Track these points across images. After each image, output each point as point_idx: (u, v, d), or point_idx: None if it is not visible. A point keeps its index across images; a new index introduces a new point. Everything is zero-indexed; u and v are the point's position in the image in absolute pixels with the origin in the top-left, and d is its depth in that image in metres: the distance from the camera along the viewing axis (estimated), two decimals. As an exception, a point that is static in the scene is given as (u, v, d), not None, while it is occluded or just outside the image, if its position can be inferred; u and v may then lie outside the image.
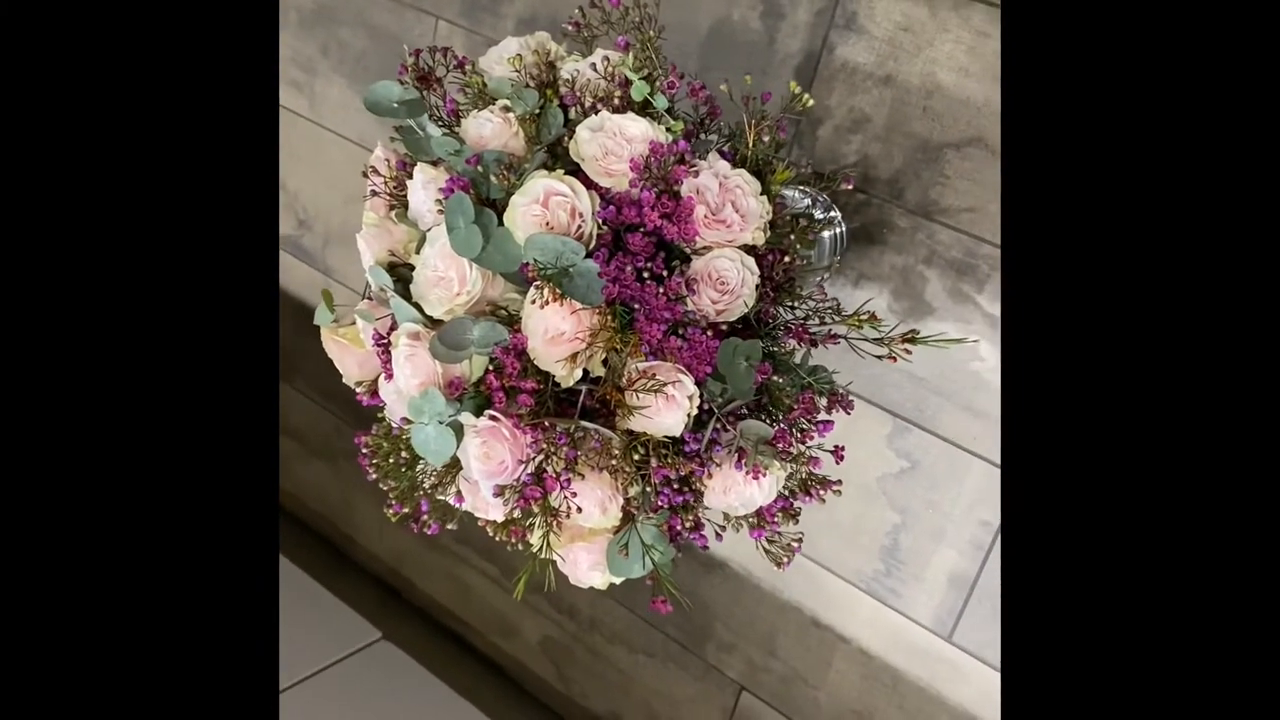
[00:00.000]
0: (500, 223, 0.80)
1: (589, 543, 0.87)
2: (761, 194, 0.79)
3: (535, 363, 0.79)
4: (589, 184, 0.81)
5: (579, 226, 0.79)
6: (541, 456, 0.80)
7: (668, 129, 0.80)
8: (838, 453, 0.84)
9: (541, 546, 0.87)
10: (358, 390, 0.97)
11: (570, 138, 0.82)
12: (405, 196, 0.89)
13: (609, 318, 0.76)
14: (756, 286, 0.79)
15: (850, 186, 0.83)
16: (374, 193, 0.90)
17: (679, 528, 0.86)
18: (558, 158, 0.84)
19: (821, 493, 0.85)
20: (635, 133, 0.79)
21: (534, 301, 0.77)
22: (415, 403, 0.82)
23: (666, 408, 0.78)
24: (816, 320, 0.83)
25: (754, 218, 0.79)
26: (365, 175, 0.89)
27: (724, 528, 0.91)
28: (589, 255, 0.78)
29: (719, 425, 0.79)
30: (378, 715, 1.60)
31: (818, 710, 1.45)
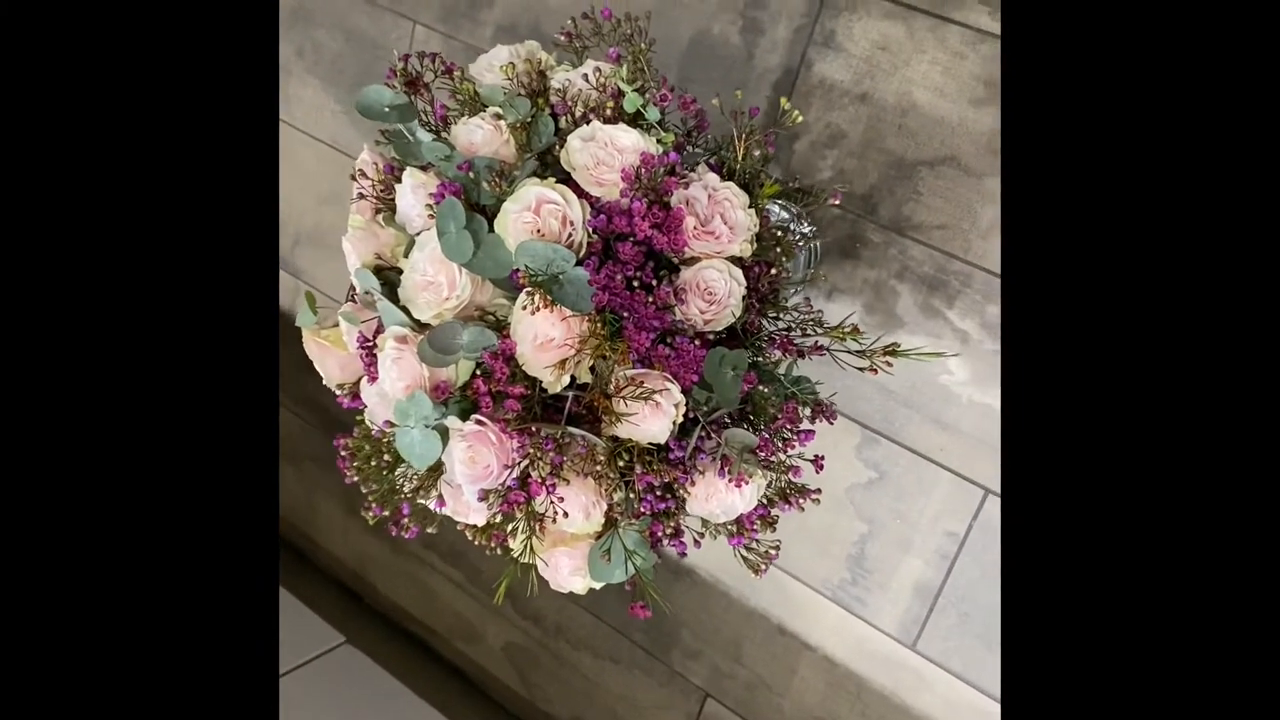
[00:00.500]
0: (491, 229, 0.81)
1: (571, 548, 0.88)
2: (749, 207, 0.81)
3: (523, 368, 0.80)
4: (579, 192, 0.82)
5: (570, 234, 0.80)
6: (527, 462, 0.81)
7: (659, 140, 0.81)
8: (818, 462, 0.85)
9: (523, 551, 0.88)
10: (338, 393, 0.97)
11: (561, 146, 0.83)
12: (392, 200, 0.90)
13: (599, 325, 0.77)
14: (743, 298, 0.80)
15: (837, 202, 0.84)
16: (361, 196, 0.90)
17: (659, 534, 0.87)
18: (547, 166, 0.85)
19: (801, 501, 0.87)
20: (627, 143, 0.80)
21: (524, 307, 0.78)
22: (401, 406, 0.82)
23: (653, 415, 0.79)
24: (799, 332, 0.85)
25: (742, 230, 0.80)
26: (353, 178, 0.89)
27: (702, 535, 0.92)
28: (579, 263, 0.79)
29: (704, 433, 0.80)
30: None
31: (782, 717, 1.46)
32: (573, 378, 0.81)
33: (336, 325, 0.95)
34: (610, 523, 0.86)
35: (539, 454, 0.79)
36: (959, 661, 1.30)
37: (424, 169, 0.86)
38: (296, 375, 1.74)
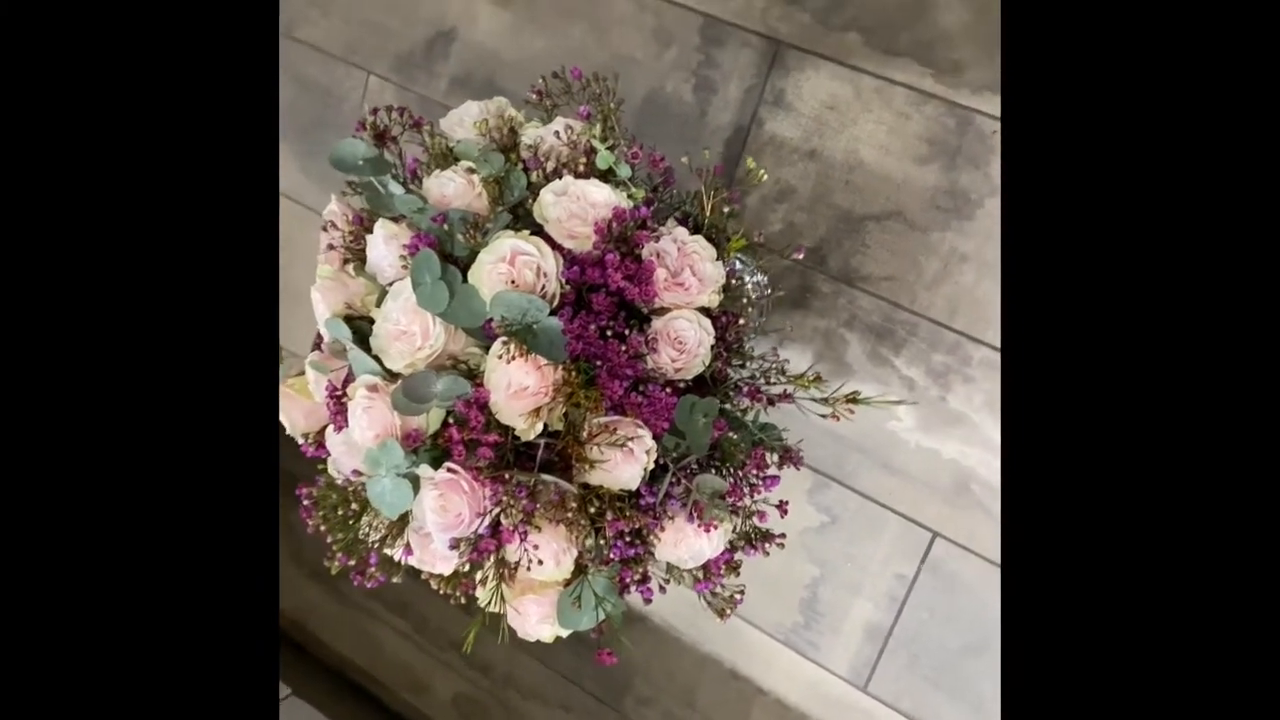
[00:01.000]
0: (464, 279, 0.82)
1: (539, 595, 0.88)
2: (716, 259, 0.83)
3: (497, 416, 0.81)
4: (552, 244, 0.84)
5: (543, 285, 0.82)
6: (499, 509, 0.82)
7: (629, 195, 0.84)
8: (782, 507, 0.88)
9: (491, 599, 0.88)
10: (302, 442, 0.97)
11: (533, 200, 0.85)
12: (362, 250, 0.90)
13: (573, 373, 0.79)
14: (711, 347, 0.83)
15: (800, 256, 0.88)
16: (331, 246, 0.91)
17: (628, 580, 0.88)
18: (519, 219, 0.87)
19: (766, 546, 0.89)
20: (599, 198, 0.83)
21: (500, 356, 0.79)
22: (372, 454, 0.82)
23: (625, 461, 0.81)
24: (763, 380, 0.88)
25: (711, 282, 0.83)
26: (324, 229, 0.90)
27: (668, 581, 0.94)
28: (553, 313, 0.81)
29: (674, 479, 0.82)
30: (285, 776, 1.55)
31: (734, 763, 1.47)
32: (545, 425, 0.83)
33: (300, 374, 0.96)
34: (579, 570, 0.87)
35: (513, 501, 0.80)
36: (909, 702, 1.32)
37: (395, 220, 0.87)
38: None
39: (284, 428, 0.97)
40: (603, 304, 0.81)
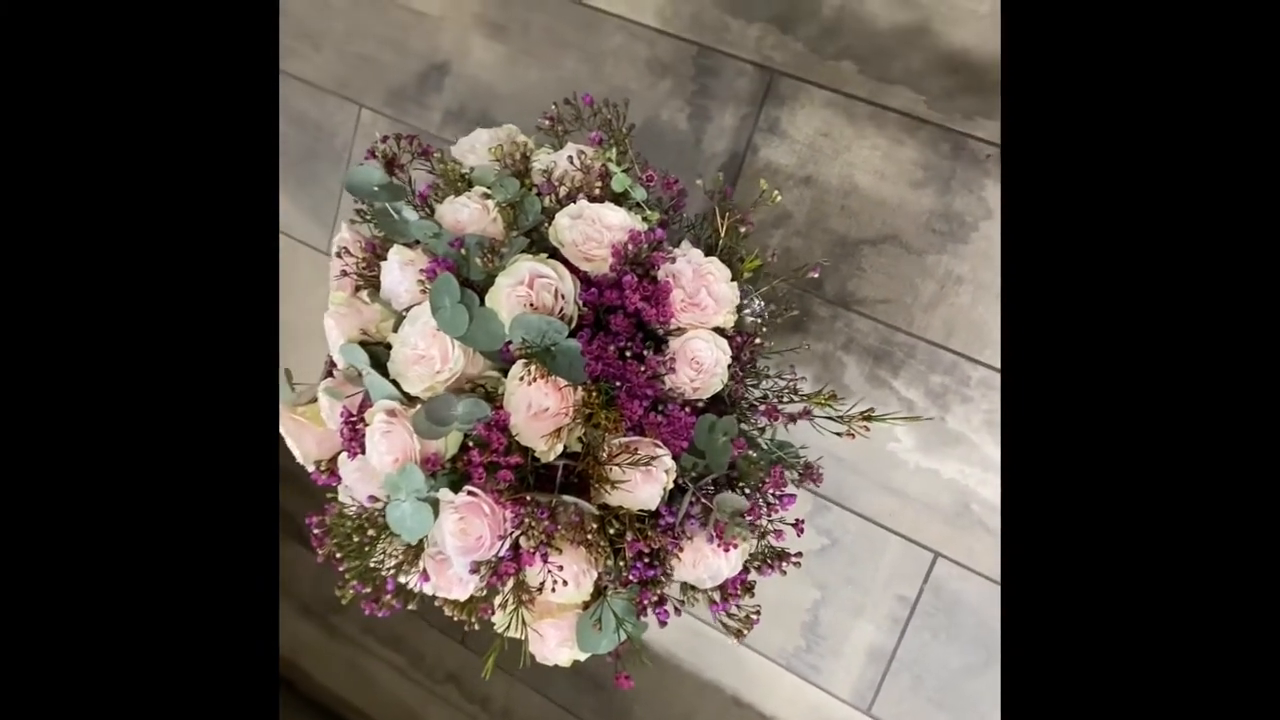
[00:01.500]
0: (482, 303, 0.83)
1: (557, 619, 0.88)
2: (731, 280, 0.85)
3: (517, 439, 0.81)
4: (568, 267, 0.84)
5: (561, 308, 0.82)
6: (520, 532, 0.82)
7: (644, 218, 0.85)
8: (799, 525, 0.88)
9: (509, 624, 0.88)
10: (315, 470, 0.96)
11: (548, 224, 0.86)
12: (374, 277, 0.91)
13: (594, 394, 0.79)
14: (728, 366, 0.84)
15: (816, 275, 0.89)
16: (344, 273, 0.91)
17: (645, 602, 0.88)
18: (533, 243, 0.88)
19: (782, 565, 0.89)
20: (614, 221, 0.84)
21: (520, 379, 0.79)
22: (392, 479, 0.82)
23: (644, 481, 0.81)
24: (776, 399, 0.89)
25: (726, 302, 0.84)
26: (339, 255, 0.90)
27: (682, 602, 0.94)
28: (571, 335, 0.81)
29: (694, 498, 0.83)
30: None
31: (737, 791, 1.46)
32: (564, 447, 0.83)
33: (311, 402, 0.95)
34: (597, 592, 0.87)
35: (534, 523, 0.80)
36: (913, 724, 1.33)
37: (410, 246, 0.88)
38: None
39: (294, 457, 0.96)
40: (621, 325, 0.81)
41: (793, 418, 0.84)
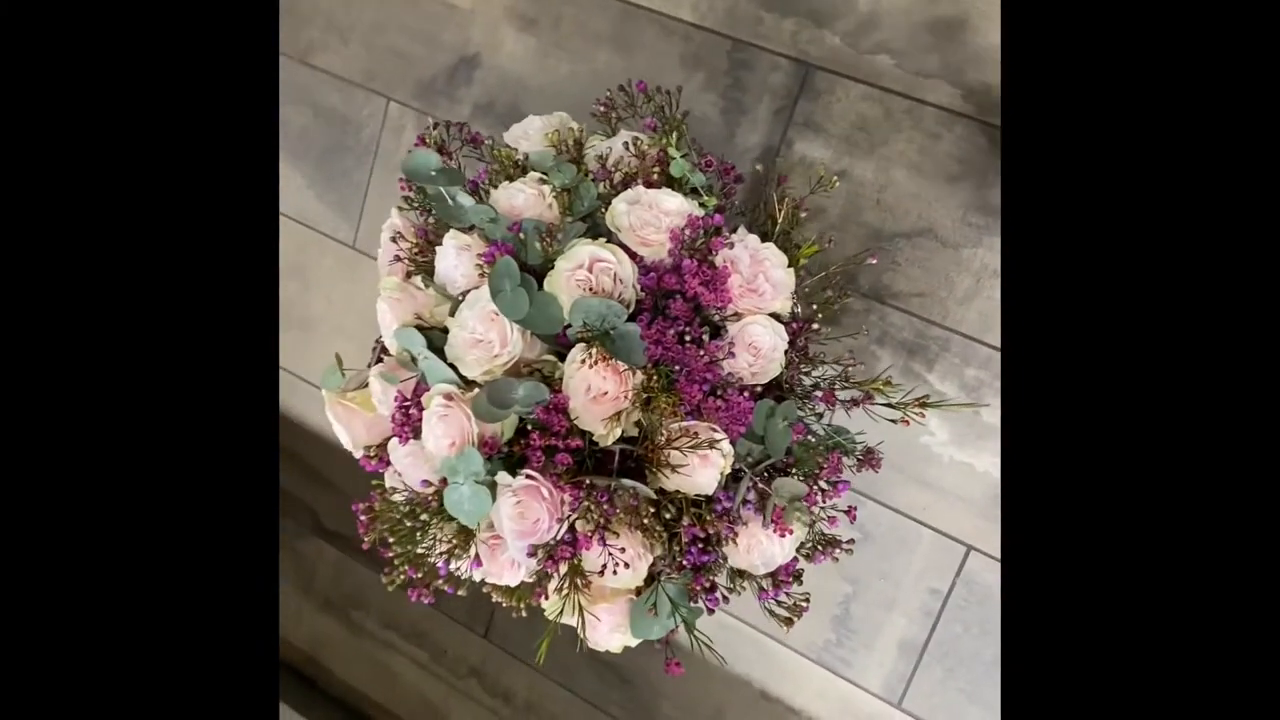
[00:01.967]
0: (540, 287, 0.83)
1: (610, 604, 0.88)
2: (788, 267, 0.85)
3: (576, 422, 0.81)
4: (625, 252, 0.85)
5: (620, 292, 0.83)
6: (577, 515, 0.82)
7: (701, 204, 0.85)
8: (851, 512, 0.89)
9: (561, 609, 0.88)
10: (359, 455, 0.96)
11: (604, 209, 0.86)
12: (428, 262, 0.91)
13: (654, 377, 0.79)
14: (785, 352, 0.84)
15: (875, 261, 0.89)
16: (397, 258, 0.91)
17: (696, 589, 0.88)
18: (587, 228, 0.88)
19: (834, 552, 0.89)
20: (671, 206, 0.84)
21: (583, 362, 0.80)
22: (450, 463, 0.82)
23: (702, 466, 0.81)
24: (827, 385, 0.89)
25: (783, 288, 0.84)
26: (393, 240, 0.90)
27: (730, 589, 0.94)
28: (630, 319, 0.82)
29: (751, 483, 0.83)
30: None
31: (764, 785, 1.46)
32: (622, 431, 0.83)
33: (361, 387, 0.95)
34: (650, 577, 0.87)
35: (594, 507, 0.80)
36: (945, 717, 1.33)
37: (466, 231, 0.88)
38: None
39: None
40: (680, 309, 0.82)
41: (854, 402, 0.85)
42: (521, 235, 0.84)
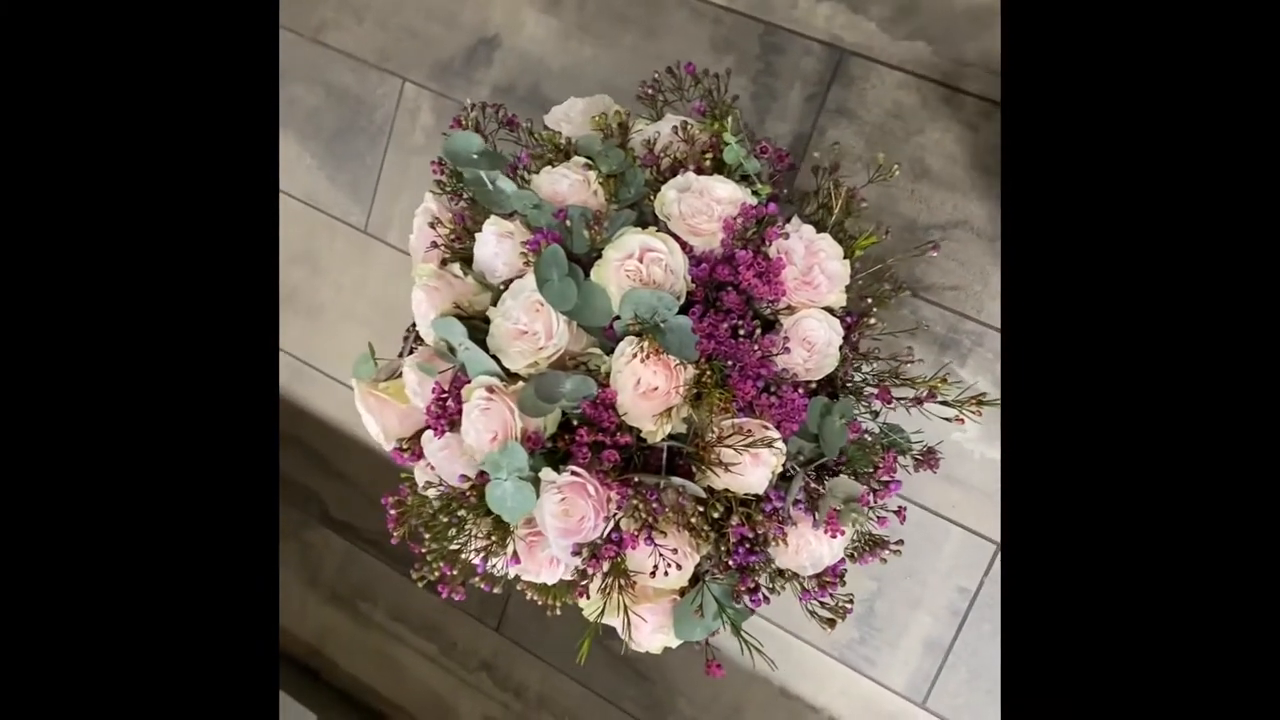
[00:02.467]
0: (586, 276, 0.80)
1: (654, 604, 0.85)
2: (844, 258, 0.82)
3: (624, 418, 0.79)
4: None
5: (671, 283, 0.79)
6: (622, 513, 0.79)
7: (754, 192, 0.82)
8: (901, 513, 0.86)
9: (602, 609, 0.85)
10: (391, 448, 0.93)
11: (651, 197, 0.83)
12: (464, 250, 0.88)
13: (708, 373, 0.77)
14: (840, 347, 0.81)
15: (936, 253, 0.87)
16: (434, 245, 0.88)
17: (740, 590, 0.86)
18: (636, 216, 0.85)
19: (881, 553, 0.87)
20: (723, 194, 0.81)
21: (634, 355, 0.76)
22: (493, 457, 0.79)
23: (753, 465, 0.78)
24: (878, 380, 0.86)
25: (839, 281, 0.81)
26: (432, 225, 0.87)
27: (771, 589, 0.91)
28: (681, 311, 0.79)
29: (804, 483, 0.80)
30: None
31: (783, 783, 1.44)
32: (671, 427, 0.80)
33: (393, 378, 0.92)
34: (695, 577, 0.85)
35: (643, 505, 0.77)
36: (970, 717, 1.31)
37: (507, 217, 0.84)
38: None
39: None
40: (734, 302, 0.79)
41: (917, 400, 0.82)
42: (567, 222, 0.80)
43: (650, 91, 0.87)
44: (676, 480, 0.78)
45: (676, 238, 0.81)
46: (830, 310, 0.83)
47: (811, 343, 0.80)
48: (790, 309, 0.82)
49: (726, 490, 0.80)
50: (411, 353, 0.91)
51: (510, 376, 0.82)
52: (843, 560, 0.87)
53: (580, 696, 1.58)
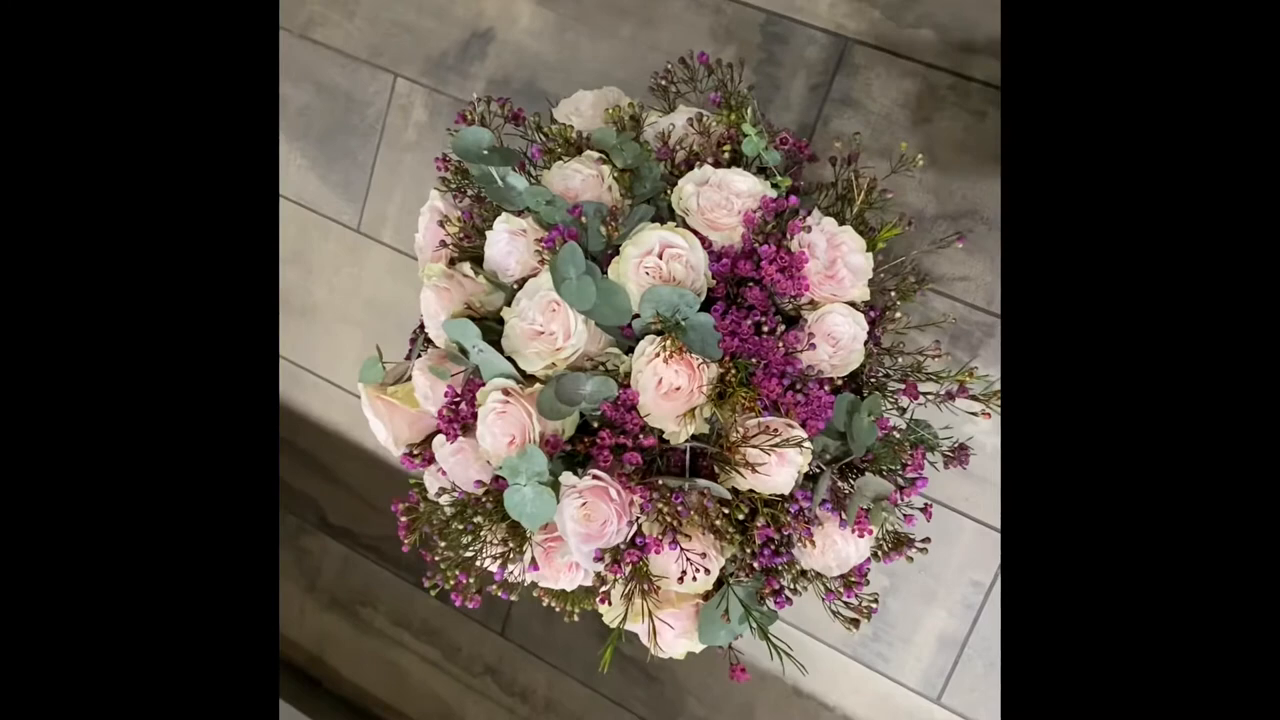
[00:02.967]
0: (603, 274, 0.77)
1: (677, 609, 0.83)
2: (866, 251, 0.80)
3: (646, 419, 0.76)
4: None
5: (692, 280, 0.77)
6: (646, 518, 0.77)
7: (773, 184, 0.80)
8: (928, 510, 0.84)
9: (624, 615, 0.83)
10: (406, 453, 0.90)
11: (667, 191, 0.81)
12: (473, 249, 0.85)
13: (732, 371, 0.74)
14: (865, 343, 0.79)
15: (962, 245, 0.85)
16: (443, 244, 0.85)
17: (765, 592, 0.84)
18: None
19: (909, 552, 0.85)
20: (743, 187, 0.79)
21: (656, 355, 0.74)
22: (511, 462, 0.76)
23: (779, 465, 0.76)
24: (902, 376, 0.84)
25: (862, 275, 0.79)
26: (441, 224, 0.84)
27: (794, 590, 0.89)
28: (702, 308, 0.76)
29: (830, 482, 0.78)
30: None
31: (796, 783, 1.43)
32: (693, 428, 0.78)
33: (401, 381, 0.89)
34: (719, 581, 0.83)
35: (667, 508, 0.75)
36: (985, 713, 1.29)
37: (517, 215, 0.82)
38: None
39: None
40: (757, 298, 0.76)
41: (949, 395, 0.80)
42: (583, 219, 0.78)
43: (663, 83, 0.85)
44: (700, 482, 0.76)
45: (695, 233, 0.79)
46: (853, 304, 0.81)
47: (836, 338, 0.78)
48: (813, 304, 0.79)
49: (751, 491, 0.77)
50: (420, 355, 0.88)
51: (526, 378, 0.79)
52: (868, 560, 0.85)
53: (588, 699, 1.56)
